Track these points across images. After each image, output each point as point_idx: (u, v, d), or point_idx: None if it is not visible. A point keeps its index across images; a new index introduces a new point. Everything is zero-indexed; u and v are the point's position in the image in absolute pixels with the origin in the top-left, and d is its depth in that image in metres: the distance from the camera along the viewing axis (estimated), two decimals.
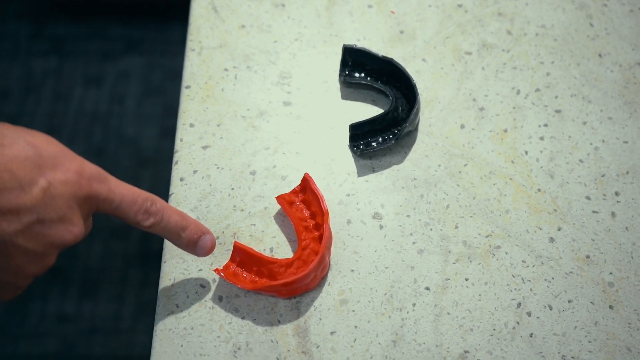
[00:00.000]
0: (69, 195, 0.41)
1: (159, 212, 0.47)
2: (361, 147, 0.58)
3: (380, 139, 0.58)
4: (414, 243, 0.56)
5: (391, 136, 0.58)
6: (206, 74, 0.63)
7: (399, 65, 0.59)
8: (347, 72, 0.61)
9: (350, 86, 0.62)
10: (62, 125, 1.69)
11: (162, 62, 1.77)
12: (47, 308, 1.51)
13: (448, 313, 0.53)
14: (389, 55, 0.63)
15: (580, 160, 0.59)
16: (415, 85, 0.59)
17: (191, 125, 0.60)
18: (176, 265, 0.55)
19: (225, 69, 0.63)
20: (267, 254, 0.55)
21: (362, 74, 0.61)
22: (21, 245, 0.40)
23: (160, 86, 1.74)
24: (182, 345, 0.52)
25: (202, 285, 0.54)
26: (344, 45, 0.60)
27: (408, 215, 0.57)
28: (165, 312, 0.53)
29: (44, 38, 1.81)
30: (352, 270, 0.55)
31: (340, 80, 0.61)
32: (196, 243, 0.50)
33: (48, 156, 0.41)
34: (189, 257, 0.55)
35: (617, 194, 0.58)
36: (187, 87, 0.62)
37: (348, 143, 0.59)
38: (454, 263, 0.55)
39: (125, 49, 1.80)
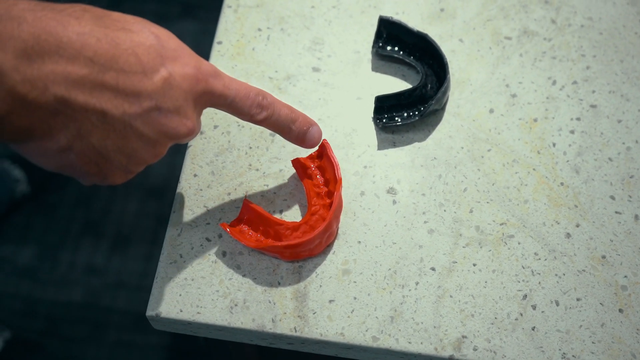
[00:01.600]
0: (187, 89, 0.42)
1: (271, 106, 0.48)
2: (384, 120, 0.57)
3: (405, 114, 0.57)
4: (425, 222, 0.55)
5: (416, 113, 0.57)
6: (239, 31, 0.62)
7: (433, 41, 0.58)
8: (380, 44, 0.60)
9: (382, 58, 0.61)
10: None
11: (214, 30, 1.78)
12: (77, 258, 1.54)
13: (451, 296, 0.52)
14: (426, 32, 0.62)
15: (610, 159, 0.57)
16: (447, 63, 0.57)
17: None
18: (185, 216, 0.55)
19: (259, 29, 0.63)
20: (276, 215, 0.55)
21: (396, 47, 0.60)
22: (138, 129, 0.41)
23: (210, 53, 1.75)
24: (180, 295, 0.52)
25: (207, 239, 0.54)
26: (380, 16, 0.59)
27: (423, 194, 0.56)
28: (168, 260, 0.53)
29: None
30: (359, 241, 0.54)
31: (372, 51, 0.61)
32: (305, 134, 0.51)
33: (170, 48, 0.42)
34: (198, 209, 0.55)
35: None
36: (219, 42, 0.62)
37: (372, 115, 0.58)
38: (463, 247, 0.54)
39: (182, 13, 1.81)
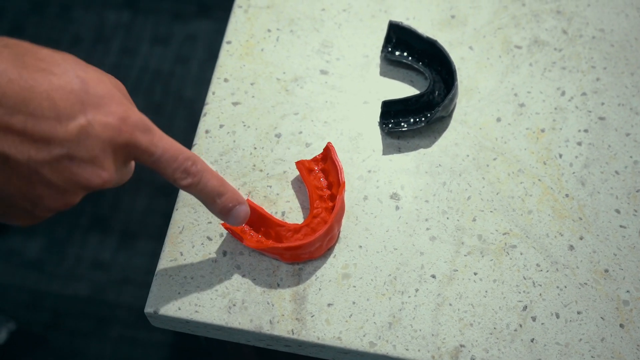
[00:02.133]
0: (106, 139, 0.40)
1: (198, 174, 0.45)
2: (390, 125, 0.57)
3: (411, 120, 0.57)
4: (427, 229, 0.54)
5: (423, 119, 0.57)
6: (249, 32, 0.62)
7: (443, 48, 0.58)
8: (389, 49, 0.60)
9: (390, 63, 0.61)
10: (125, 79, 1.72)
11: None
12: (84, 253, 1.55)
13: (450, 304, 0.52)
14: (435, 38, 0.62)
15: (616, 172, 0.57)
16: (455, 70, 0.57)
17: (225, 80, 0.60)
18: (187, 215, 0.55)
19: (269, 30, 0.63)
20: (278, 217, 0.55)
21: (405, 53, 0.60)
22: (45, 176, 0.39)
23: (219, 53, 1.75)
24: (179, 293, 0.52)
25: (209, 238, 0.54)
26: (390, 21, 0.59)
27: (427, 201, 0.55)
28: (169, 257, 0.53)
29: None
30: (360, 246, 0.54)
31: (381, 56, 0.60)
32: (230, 211, 0.48)
33: (95, 95, 0.39)
34: (201, 207, 0.55)
35: None
36: (228, 42, 0.62)
37: (378, 120, 0.58)
38: (465, 255, 0.53)
39: (197, 12, 1.82)
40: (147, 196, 1.59)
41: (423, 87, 0.60)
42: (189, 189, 0.45)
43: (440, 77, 0.59)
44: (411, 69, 0.60)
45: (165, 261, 0.53)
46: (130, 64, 1.77)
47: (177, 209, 0.55)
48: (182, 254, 0.53)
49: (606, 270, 0.53)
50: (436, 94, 0.57)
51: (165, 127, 1.67)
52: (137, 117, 0.41)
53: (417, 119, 0.57)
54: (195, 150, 0.57)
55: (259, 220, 0.53)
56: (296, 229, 0.53)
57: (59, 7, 1.85)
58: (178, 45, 1.77)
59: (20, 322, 1.44)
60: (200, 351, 1.41)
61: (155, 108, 1.68)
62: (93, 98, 0.39)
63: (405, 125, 0.57)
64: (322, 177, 0.55)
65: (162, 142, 0.43)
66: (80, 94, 0.39)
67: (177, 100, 1.69)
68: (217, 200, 0.47)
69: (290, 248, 0.51)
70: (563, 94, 0.60)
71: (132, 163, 0.45)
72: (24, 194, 0.40)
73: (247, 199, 0.53)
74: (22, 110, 0.37)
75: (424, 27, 0.63)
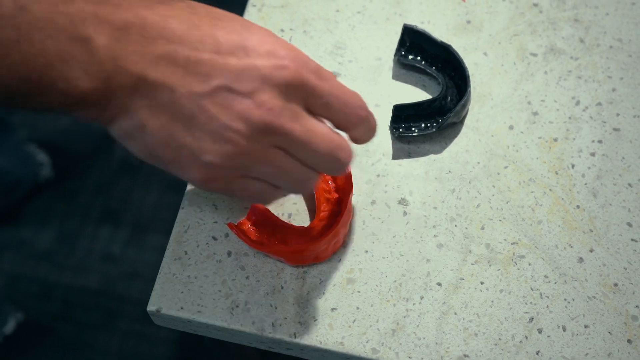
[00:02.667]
0: (266, 75, 0.39)
1: (368, 120, 0.44)
2: (401, 130, 0.56)
3: (422, 125, 0.57)
4: (435, 236, 0.54)
5: (434, 124, 0.56)
6: None
7: (456, 53, 0.57)
8: (402, 52, 0.59)
9: (403, 67, 0.60)
10: None
11: None
12: (95, 245, 1.55)
13: (455, 313, 0.51)
14: (450, 43, 0.61)
15: (629, 185, 0.56)
16: (469, 76, 0.56)
17: None
18: (193, 214, 0.54)
19: (282, 30, 0.62)
20: (284, 219, 0.54)
21: (418, 57, 0.59)
22: (205, 108, 0.39)
23: None
24: (182, 292, 0.52)
25: (214, 238, 0.53)
26: (404, 24, 0.58)
27: (435, 207, 0.55)
28: (173, 256, 0.53)
29: None
30: (366, 251, 0.53)
31: (394, 59, 0.60)
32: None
33: (258, 40, 0.40)
34: (207, 207, 0.54)
35: None
36: None
37: (389, 124, 0.58)
38: (472, 264, 0.53)
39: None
40: (158, 191, 1.59)
41: (435, 92, 0.59)
42: (357, 130, 0.44)
43: (453, 82, 0.58)
44: (424, 74, 0.60)
45: (169, 260, 0.53)
46: None
47: (183, 208, 0.55)
48: (186, 253, 0.53)
49: (615, 284, 0.52)
50: (448, 99, 0.57)
51: None
52: (306, 59, 0.41)
53: (428, 125, 0.56)
54: None
55: (265, 221, 0.53)
56: (302, 232, 0.52)
57: None
58: None
59: (29, 312, 1.45)
60: (206, 349, 1.41)
61: None
62: (256, 42, 0.40)
63: (416, 131, 0.56)
64: (330, 180, 0.54)
65: (332, 85, 0.42)
66: (243, 36, 0.40)
67: None
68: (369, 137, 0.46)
69: (295, 251, 0.50)
70: (578, 103, 0.59)
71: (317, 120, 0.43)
72: (189, 129, 0.40)
73: None
74: (187, 45, 0.39)
75: (439, 32, 0.62)
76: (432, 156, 0.57)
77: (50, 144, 1.64)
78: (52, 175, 1.61)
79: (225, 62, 0.39)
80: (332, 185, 0.54)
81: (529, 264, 0.53)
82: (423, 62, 0.59)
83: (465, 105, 0.56)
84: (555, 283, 0.52)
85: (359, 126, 0.43)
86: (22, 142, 1.58)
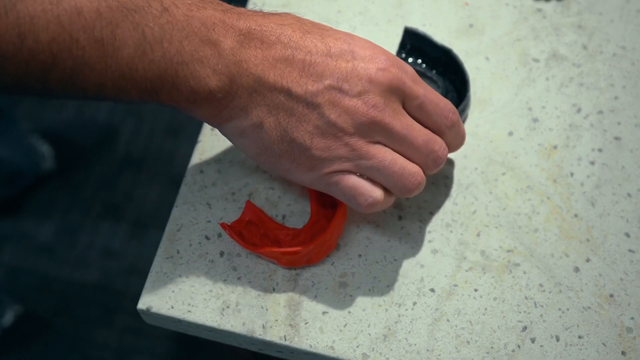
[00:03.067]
0: (372, 77, 0.44)
1: (457, 122, 0.49)
2: None
3: None
4: (430, 242, 0.53)
5: None
6: None
7: (457, 57, 0.56)
8: (403, 55, 0.59)
9: None
10: None
11: None
12: (95, 240, 1.55)
13: (448, 320, 0.50)
14: (451, 47, 0.61)
15: (629, 194, 0.55)
16: (469, 81, 0.56)
17: None
18: (186, 212, 0.54)
19: None
20: (278, 220, 0.54)
21: (418, 60, 0.58)
22: (319, 106, 0.44)
23: None
24: (173, 291, 0.51)
25: (207, 237, 0.53)
26: (406, 27, 0.58)
27: (431, 212, 0.54)
28: (165, 255, 0.53)
29: None
30: (360, 255, 0.53)
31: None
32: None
33: (363, 47, 0.45)
34: (201, 206, 0.54)
35: None
36: None
37: None
38: (466, 270, 0.52)
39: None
40: (161, 187, 1.59)
41: None
42: (448, 134, 0.48)
43: (453, 86, 0.57)
44: (424, 77, 0.59)
45: (161, 258, 0.52)
46: None
47: (176, 206, 0.54)
48: (178, 252, 0.53)
49: (611, 295, 0.52)
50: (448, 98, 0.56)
51: (172, 122, 1.67)
52: (403, 64, 0.46)
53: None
54: (200, 147, 0.57)
55: (259, 222, 0.52)
56: (295, 234, 0.52)
57: None
58: None
59: (28, 305, 1.45)
60: (204, 344, 1.41)
61: None
62: (360, 49, 0.45)
63: None
64: None
65: (426, 89, 0.47)
66: (350, 45, 0.45)
67: None
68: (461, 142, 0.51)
69: (287, 253, 0.50)
70: (579, 110, 0.58)
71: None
72: (304, 126, 0.44)
73: (248, 201, 0.52)
74: (302, 49, 0.44)
75: (441, 35, 0.62)
76: None
77: (54, 135, 1.64)
78: (55, 167, 1.61)
79: (336, 64, 0.44)
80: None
81: (524, 272, 0.52)
82: (424, 66, 0.58)
83: (464, 110, 0.55)
84: (550, 292, 0.52)
85: (450, 130, 0.48)
86: (26, 133, 1.58)
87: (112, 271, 1.51)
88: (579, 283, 0.52)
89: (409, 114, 0.46)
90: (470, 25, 0.62)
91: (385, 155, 0.45)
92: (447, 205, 0.55)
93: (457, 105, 0.56)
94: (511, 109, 0.58)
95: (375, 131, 0.45)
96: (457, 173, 0.56)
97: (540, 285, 0.52)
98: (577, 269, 0.52)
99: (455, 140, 0.49)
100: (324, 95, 0.44)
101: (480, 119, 0.58)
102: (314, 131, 0.44)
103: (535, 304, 0.51)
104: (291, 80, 0.43)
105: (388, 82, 0.44)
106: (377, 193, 0.46)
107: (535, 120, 0.58)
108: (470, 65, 0.60)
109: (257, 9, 0.61)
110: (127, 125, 1.67)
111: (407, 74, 0.46)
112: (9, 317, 1.40)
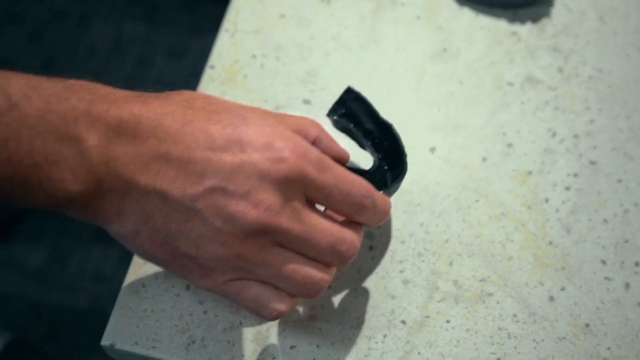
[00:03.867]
0: (264, 172, 0.38)
1: (371, 207, 0.43)
2: None
3: None
4: (401, 272, 0.52)
5: None
6: (234, 57, 0.61)
7: (397, 134, 0.52)
8: (335, 117, 0.53)
9: (335, 125, 0.54)
10: (138, 90, 1.71)
11: None
12: (86, 265, 1.54)
13: (419, 353, 0.49)
14: (424, 72, 0.60)
15: (605, 220, 0.54)
16: (406, 161, 0.51)
17: None
18: None
19: (254, 56, 0.61)
20: None
21: (351, 125, 0.53)
22: (200, 211, 0.37)
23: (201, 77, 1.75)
24: (138, 327, 0.50)
25: None
26: (349, 87, 0.53)
27: (402, 241, 0.53)
28: (130, 289, 0.51)
29: (139, 3, 1.85)
30: (329, 287, 0.51)
31: (327, 115, 0.53)
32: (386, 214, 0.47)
33: (257, 133, 0.39)
34: None
35: (637, 264, 0.52)
36: (212, 67, 0.60)
37: None
38: (438, 301, 0.51)
39: (214, 28, 1.81)
40: None
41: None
42: (362, 218, 0.43)
43: (387, 161, 0.51)
44: (357, 142, 0.54)
45: (126, 292, 0.51)
46: (144, 76, 1.76)
47: None
48: (144, 286, 0.51)
49: (587, 325, 0.50)
50: (377, 177, 0.50)
51: None
52: (306, 149, 0.39)
53: None
54: None
55: None
56: None
57: (79, 17, 1.85)
58: (194, 60, 1.77)
59: (17, 332, 1.43)
60: None
61: None
62: (253, 138, 0.38)
63: None
64: None
65: (336, 176, 0.40)
66: (239, 136, 0.38)
67: None
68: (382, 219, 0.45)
69: None
70: (554, 135, 0.57)
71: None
72: (186, 233, 0.38)
73: None
74: (179, 143, 0.37)
75: (414, 60, 0.61)
76: (401, 188, 0.55)
77: None
78: None
79: (220, 159, 0.37)
80: None
81: (497, 302, 0.51)
82: (357, 129, 0.53)
83: (393, 191, 0.50)
84: (524, 323, 0.50)
85: (363, 214, 0.42)
86: None
87: (104, 296, 1.49)
88: (553, 312, 0.51)
89: (315, 201, 0.41)
90: (444, 50, 0.61)
91: (284, 262, 0.40)
92: (419, 233, 0.53)
93: (385, 184, 0.50)
94: (485, 134, 0.57)
95: (270, 236, 0.39)
96: (429, 200, 0.55)
97: (514, 315, 0.51)
98: (551, 298, 0.51)
99: (372, 219, 0.44)
100: (205, 199, 0.37)
101: (454, 145, 0.57)
102: (199, 240, 0.38)
103: (509, 334, 0.50)
104: (167, 182, 0.37)
105: (284, 177, 0.38)
106: (282, 305, 0.42)
107: (510, 145, 0.57)
108: (444, 91, 0.59)
109: (229, 35, 0.61)
110: None
111: (310, 162, 0.39)
112: None
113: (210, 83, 0.59)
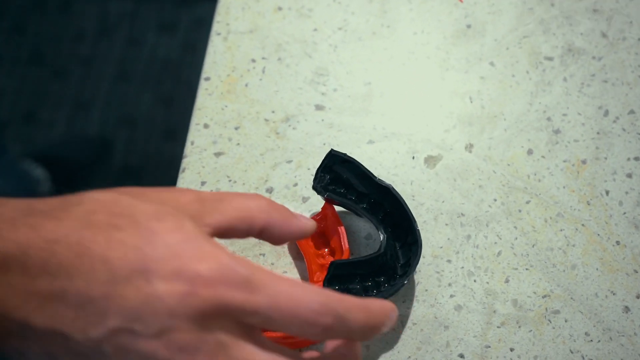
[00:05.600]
0: (175, 305, 0.31)
1: (335, 323, 0.32)
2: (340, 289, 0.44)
3: (359, 289, 0.44)
4: (451, 296, 0.46)
5: (374, 291, 0.44)
6: (230, 64, 0.53)
7: (399, 196, 0.45)
8: (322, 184, 0.46)
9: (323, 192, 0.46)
10: (133, 71, 1.64)
11: None
12: None
13: None
14: (449, 55, 0.52)
15: None
16: (418, 230, 0.44)
17: (205, 126, 0.51)
18: None
19: (253, 60, 0.54)
20: None
21: (342, 190, 0.46)
22: (108, 355, 0.32)
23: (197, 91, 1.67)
24: None
25: None
26: (331, 150, 0.46)
27: (449, 260, 0.47)
28: None
29: None
30: None
31: (313, 186, 0.46)
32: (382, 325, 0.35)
33: (164, 253, 0.31)
34: None
35: None
36: (207, 79, 0.53)
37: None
38: (498, 327, 0.45)
39: (192, 24, 1.71)
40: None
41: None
42: (332, 345, 0.34)
43: (392, 231, 0.46)
44: (351, 210, 0.47)
45: None
46: (137, 55, 1.68)
47: None
48: None
49: None
50: (388, 255, 0.45)
51: (168, 124, 1.59)
52: (231, 265, 0.32)
53: (367, 286, 0.44)
54: None
55: None
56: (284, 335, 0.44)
57: (60, 1, 1.76)
58: (185, 32, 1.68)
59: None
60: None
61: (166, 100, 1.61)
62: (160, 258, 0.31)
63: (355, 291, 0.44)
64: (322, 244, 0.46)
65: (272, 294, 0.32)
66: (143, 262, 0.31)
67: (189, 89, 1.61)
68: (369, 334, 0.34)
69: (278, 338, 0.43)
70: (606, 113, 0.50)
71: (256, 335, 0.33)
72: None
73: None
74: (75, 277, 0.31)
75: (435, 42, 0.53)
76: (439, 197, 0.48)
77: (47, 156, 1.57)
78: (52, 190, 1.54)
79: (122, 295, 0.31)
80: (325, 248, 0.46)
81: (566, 321, 0.45)
82: (353, 198, 0.46)
83: (415, 266, 0.44)
84: (599, 341, 0.44)
85: (328, 334, 0.32)
86: (17, 159, 1.51)
87: None
88: (631, 326, 0.44)
89: (257, 327, 0.33)
90: (468, 26, 0.54)
91: None
92: (467, 249, 0.47)
93: (405, 259, 0.45)
94: (527, 122, 0.50)
95: None
96: (473, 208, 0.48)
97: (587, 333, 0.44)
98: (626, 309, 0.45)
99: (350, 335, 0.33)
100: (111, 341, 0.31)
101: (492, 139, 0.50)
102: None
103: (583, 357, 0.44)
104: (66, 324, 0.31)
105: (199, 312, 0.31)
106: None
107: (557, 132, 0.50)
108: (474, 75, 0.52)
109: (221, 38, 0.53)
110: (121, 134, 1.60)
111: (232, 285, 0.31)
112: None
113: (207, 98, 0.52)
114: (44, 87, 1.63)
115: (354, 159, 0.45)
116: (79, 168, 1.58)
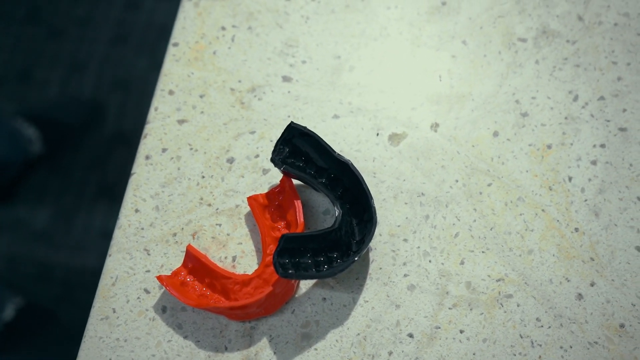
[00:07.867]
0: None
1: None
2: (290, 271, 0.42)
3: (310, 263, 0.43)
4: (405, 275, 0.45)
5: (325, 267, 0.44)
6: (199, 31, 0.53)
7: (357, 172, 0.45)
8: (280, 157, 0.46)
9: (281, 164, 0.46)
10: (130, 37, 1.63)
11: None
12: (91, 223, 1.49)
13: None
14: (421, 32, 0.51)
15: (639, 199, 0.47)
16: (374, 207, 0.44)
17: (170, 92, 0.51)
18: (122, 262, 0.47)
19: (223, 27, 0.53)
20: (228, 263, 0.46)
21: (301, 164, 0.46)
22: None
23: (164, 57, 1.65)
24: (110, 359, 0.44)
25: (146, 291, 0.46)
26: (290, 123, 0.45)
27: (405, 239, 0.46)
28: (99, 315, 0.45)
29: None
30: (324, 298, 0.45)
31: (271, 158, 0.46)
32: None
33: None
34: (138, 252, 0.47)
35: None
36: (175, 44, 0.52)
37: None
38: (449, 308, 0.45)
39: None
40: None
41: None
42: None
43: (347, 205, 0.45)
44: (308, 184, 0.47)
45: (95, 320, 0.45)
46: (134, 19, 1.67)
47: (109, 255, 0.47)
48: (114, 311, 0.45)
49: (622, 326, 0.44)
50: (343, 231, 0.44)
51: None
52: None
53: (319, 264, 0.44)
54: (133, 180, 0.49)
55: (202, 269, 0.45)
56: (245, 281, 0.44)
57: None
58: None
59: (28, 295, 1.41)
60: None
61: (160, 66, 1.60)
62: None
63: (307, 271, 0.43)
64: (278, 216, 0.46)
65: None
66: None
67: None
68: None
69: (235, 308, 0.43)
70: (576, 98, 0.49)
71: None
72: None
73: (189, 245, 0.45)
74: None
75: (409, 18, 0.52)
76: (401, 175, 0.48)
77: (39, 117, 1.57)
78: (44, 150, 1.54)
79: None
80: (280, 222, 0.46)
81: (518, 305, 0.44)
82: (311, 172, 0.46)
83: (368, 244, 0.44)
84: (550, 327, 0.44)
85: None
86: (9, 118, 1.51)
87: None
88: (583, 313, 0.44)
89: None
90: (443, 3, 0.53)
91: None
92: (425, 229, 0.47)
93: (360, 234, 0.44)
94: (495, 103, 0.50)
95: None
96: (434, 188, 0.47)
97: (538, 319, 0.44)
98: (580, 296, 0.44)
99: None
100: None
101: (460, 119, 0.49)
102: None
103: (532, 342, 0.44)
104: None
105: None
106: None
107: (525, 114, 0.49)
108: (445, 54, 0.51)
109: (192, 4, 0.52)
110: (114, 98, 1.59)
111: None
112: (9, 311, 1.36)
113: (174, 64, 0.52)
114: (40, 47, 1.62)
115: (314, 133, 0.45)
116: (71, 129, 1.58)
